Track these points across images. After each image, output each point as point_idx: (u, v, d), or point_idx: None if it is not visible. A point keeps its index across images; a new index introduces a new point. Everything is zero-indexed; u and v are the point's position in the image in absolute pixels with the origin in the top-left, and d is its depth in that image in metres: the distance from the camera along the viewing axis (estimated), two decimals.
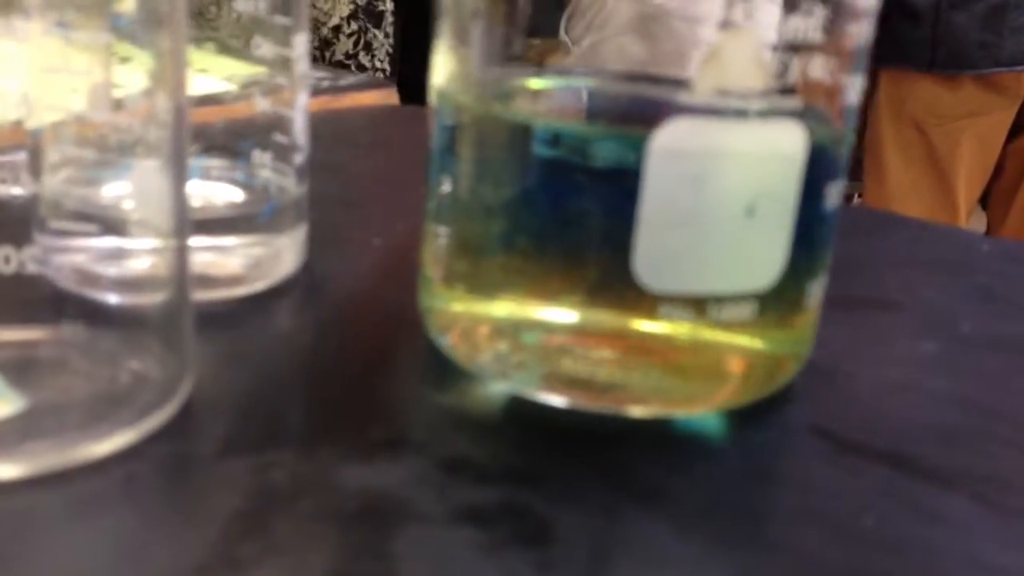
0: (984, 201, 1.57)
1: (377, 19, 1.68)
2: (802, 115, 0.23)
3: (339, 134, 0.54)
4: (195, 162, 0.30)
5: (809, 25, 0.23)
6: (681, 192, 0.22)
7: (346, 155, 0.49)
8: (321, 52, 1.63)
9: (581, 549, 0.20)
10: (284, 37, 0.31)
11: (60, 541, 0.19)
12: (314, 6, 1.60)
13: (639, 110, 0.24)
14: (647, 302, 0.23)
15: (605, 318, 0.24)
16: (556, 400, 0.24)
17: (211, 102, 0.31)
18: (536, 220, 0.24)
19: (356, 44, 1.67)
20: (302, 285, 0.31)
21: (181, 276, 0.24)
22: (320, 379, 0.26)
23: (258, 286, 0.30)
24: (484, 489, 0.21)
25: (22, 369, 0.24)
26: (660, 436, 0.24)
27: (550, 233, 0.24)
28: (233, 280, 0.30)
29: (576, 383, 0.24)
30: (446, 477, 0.21)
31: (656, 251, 0.23)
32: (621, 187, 0.23)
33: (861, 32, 0.24)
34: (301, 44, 0.31)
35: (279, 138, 0.31)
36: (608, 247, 0.23)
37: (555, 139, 0.24)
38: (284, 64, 0.31)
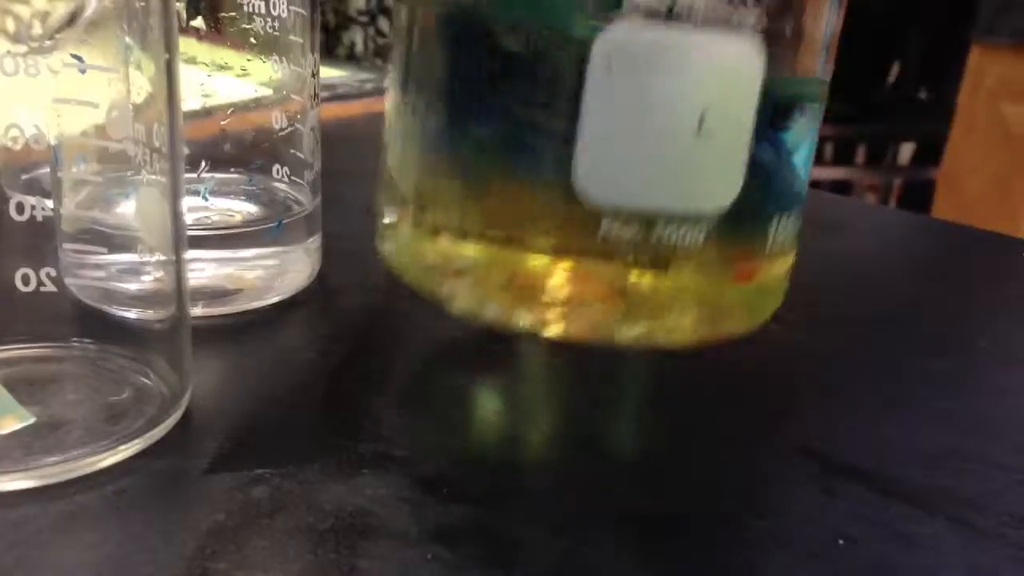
0: None
1: None
2: (762, 34, 0.22)
3: (376, 139, 0.55)
4: (209, 176, 0.32)
5: None
6: (625, 101, 0.21)
7: (370, 162, 0.49)
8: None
9: (543, 570, 0.20)
10: (298, 56, 0.32)
11: (43, 556, 0.20)
12: None
13: (583, 6, 0.22)
14: (591, 219, 0.22)
15: (549, 237, 0.23)
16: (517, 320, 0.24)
17: (230, 114, 0.32)
18: (474, 126, 0.23)
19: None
20: (314, 298, 0.32)
21: (181, 292, 0.25)
22: (317, 395, 0.27)
23: (270, 299, 0.31)
24: (457, 508, 0.22)
25: (32, 384, 0.25)
26: (635, 452, 0.24)
27: (489, 145, 0.23)
28: (245, 293, 0.31)
29: (532, 306, 0.24)
30: (422, 495, 0.22)
31: (598, 162, 0.22)
32: (564, 91, 0.22)
33: None
34: (313, 63, 0.32)
35: (294, 153, 0.32)
36: (550, 161, 0.22)
37: (493, 30, 0.22)
38: (297, 82, 0.32)
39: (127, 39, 0.23)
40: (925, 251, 0.43)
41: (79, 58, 0.23)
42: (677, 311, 0.24)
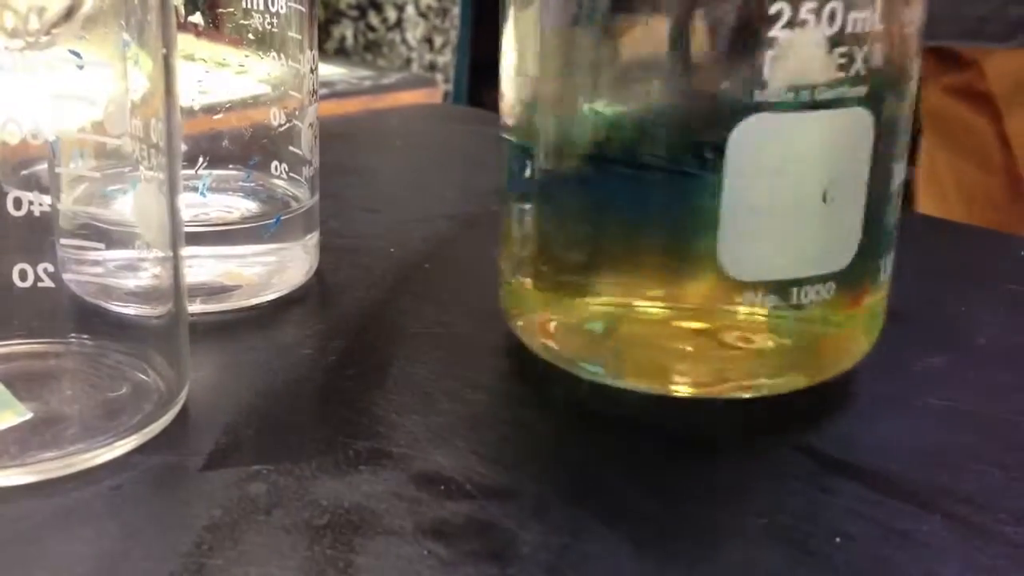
0: None
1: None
2: (868, 101, 0.24)
3: (375, 136, 0.55)
4: (207, 173, 0.32)
5: (869, 15, 0.24)
6: (760, 184, 0.24)
7: (378, 158, 0.50)
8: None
9: (539, 566, 0.20)
10: (296, 52, 0.32)
11: (40, 551, 0.20)
12: None
13: (716, 108, 0.24)
14: (731, 290, 0.25)
15: (692, 307, 0.26)
16: (640, 387, 0.26)
17: (227, 110, 0.32)
18: (618, 219, 0.26)
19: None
20: (312, 295, 0.32)
21: (179, 288, 0.25)
22: (315, 391, 0.27)
23: (268, 296, 0.31)
24: (454, 504, 0.22)
25: (29, 380, 0.25)
26: (634, 453, 0.24)
27: (634, 231, 0.26)
28: (243, 290, 0.31)
29: (660, 370, 0.26)
30: (418, 491, 0.22)
31: (739, 241, 0.24)
32: (701, 183, 0.24)
33: (915, 17, 0.25)
34: (311, 59, 0.32)
35: (292, 150, 0.32)
36: (693, 240, 0.25)
37: (635, 136, 0.25)
38: (295, 78, 0.32)
39: (125, 35, 0.23)
40: (922, 248, 0.43)
41: (77, 54, 0.23)
42: (800, 358, 0.27)
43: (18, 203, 0.23)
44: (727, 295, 0.25)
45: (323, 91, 0.56)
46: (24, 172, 0.24)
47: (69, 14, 0.22)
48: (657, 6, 0.24)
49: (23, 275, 0.23)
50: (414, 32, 1.63)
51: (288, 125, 0.32)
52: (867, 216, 0.26)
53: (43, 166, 0.24)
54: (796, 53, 0.23)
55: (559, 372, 0.27)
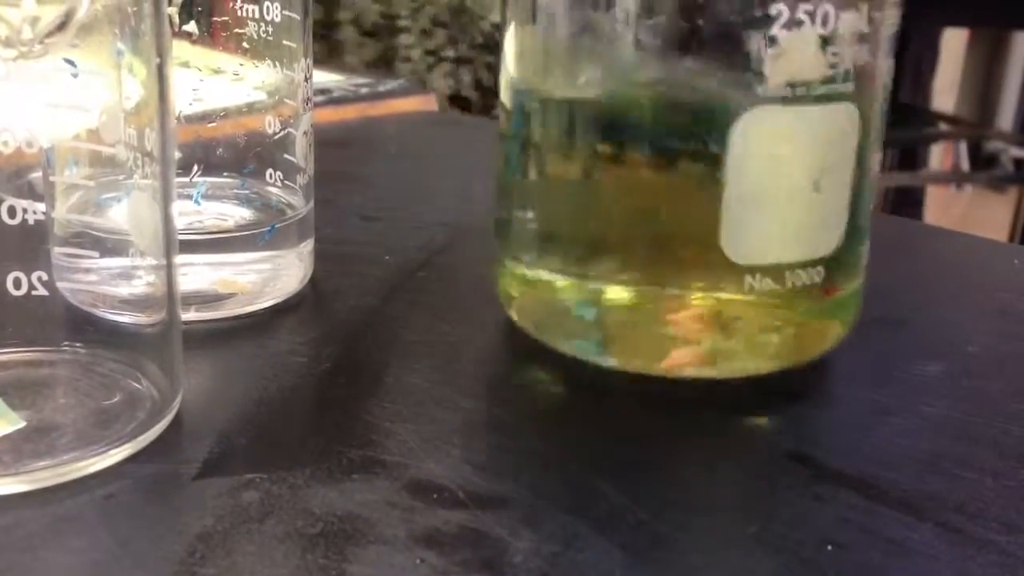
0: None
1: None
2: (854, 97, 0.26)
3: (371, 143, 0.55)
4: (202, 180, 0.32)
5: (856, 18, 0.25)
6: (758, 174, 0.26)
7: (374, 166, 0.50)
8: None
9: (532, 574, 0.20)
10: (291, 60, 0.32)
11: (32, 560, 0.20)
12: None
13: (719, 102, 0.26)
14: (733, 274, 0.26)
15: (693, 289, 0.27)
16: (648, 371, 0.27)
17: (221, 118, 0.32)
18: (621, 208, 0.27)
19: None
20: (306, 302, 0.32)
21: (172, 297, 0.25)
22: (309, 400, 0.27)
23: (262, 304, 0.31)
24: (447, 512, 0.22)
25: (23, 388, 0.25)
26: (626, 462, 0.24)
27: (639, 222, 0.27)
28: (238, 298, 0.31)
29: (654, 350, 0.27)
30: (411, 500, 0.22)
31: (738, 228, 0.26)
32: (704, 172, 0.26)
33: (893, 20, 0.27)
34: (306, 68, 0.32)
35: (287, 157, 0.32)
36: (694, 227, 0.26)
37: (639, 128, 0.26)
38: (290, 86, 0.32)
39: (119, 44, 0.23)
40: (916, 256, 0.44)
41: (71, 62, 0.23)
42: (786, 341, 0.28)
43: (12, 211, 0.23)
44: (727, 278, 0.26)
45: (320, 98, 0.57)
46: (18, 180, 0.24)
47: (63, 24, 0.22)
48: (666, 7, 0.25)
49: (17, 283, 0.23)
50: None
51: (283, 133, 0.32)
52: (851, 204, 0.27)
53: (37, 174, 0.24)
54: (793, 51, 0.25)
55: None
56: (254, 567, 0.20)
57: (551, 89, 0.28)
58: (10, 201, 0.22)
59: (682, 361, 0.27)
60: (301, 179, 0.32)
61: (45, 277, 0.23)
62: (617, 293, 0.28)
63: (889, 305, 0.36)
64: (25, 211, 0.23)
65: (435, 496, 0.22)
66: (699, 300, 0.27)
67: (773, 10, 0.24)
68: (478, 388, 0.28)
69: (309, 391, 0.27)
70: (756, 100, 0.25)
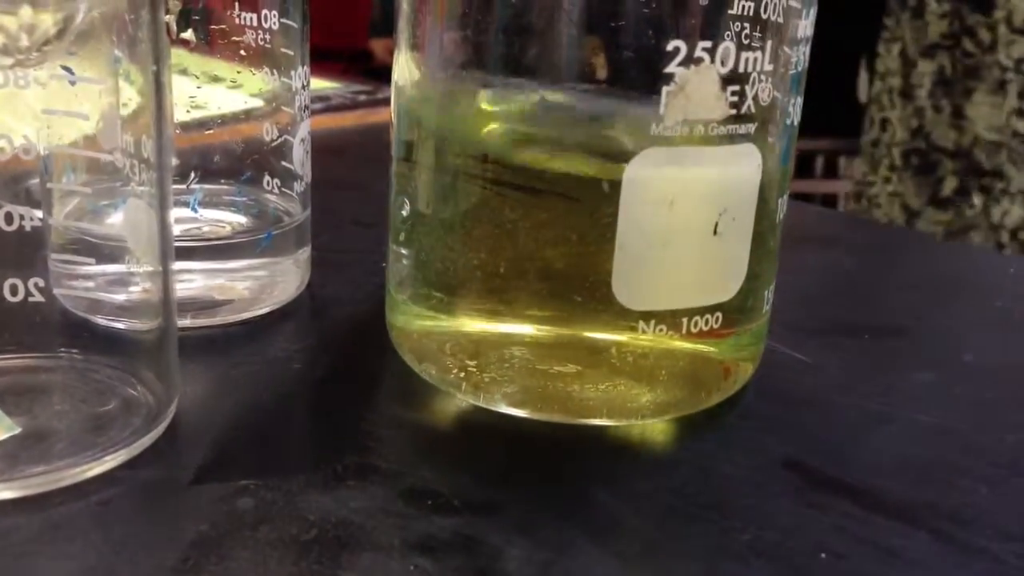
0: None
1: None
2: (755, 138, 0.25)
3: (368, 150, 0.55)
4: (199, 187, 0.32)
5: (759, 56, 0.24)
6: (654, 216, 0.24)
7: (370, 172, 0.49)
8: None
9: None
10: (288, 68, 0.32)
11: (26, 566, 0.20)
12: None
13: (611, 141, 0.25)
14: (624, 320, 0.25)
15: (582, 335, 0.26)
16: (533, 415, 0.26)
17: (219, 125, 0.32)
18: (508, 248, 0.25)
19: None
20: (303, 309, 0.32)
21: (168, 303, 0.25)
22: (304, 406, 0.27)
23: (259, 310, 0.31)
24: (441, 519, 0.22)
25: (18, 394, 0.25)
26: (620, 469, 0.24)
27: (526, 262, 0.25)
28: (234, 304, 0.31)
29: (550, 398, 0.26)
30: (406, 507, 0.22)
31: (632, 272, 0.24)
32: (595, 213, 0.24)
33: (800, 58, 0.26)
34: (303, 75, 0.32)
35: (284, 165, 0.32)
36: (585, 270, 0.25)
37: (528, 169, 0.25)
38: (288, 94, 0.32)
39: (116, 51, 0.23)
40: (911, 264, 0.44)
41: (68, 70, 0.23)
42: (686, 386, 0.27)
43: (9, 218, 0.23)
44: (618, 324, 0.25)
45: (318, 105, 0.57)
46: (15, 187, 0.24)
47: (60, 32, 0.22)
48: (560, 41, 0.24)
49: (14, 290, 0.23)
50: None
51: (280, 140, 0.32)
52: (753, 248, 0.26)
53: (35, 181, 0.24)
54: (692, 90, 0.23)
55: None
56: (248, 573, 0.20)
57: (437, 122, 0.26)
58: (7, 207, 0.23)
59: (570, 408, 0.26)
60: (298, 186, 0.32)
61: (42, 283, 0.23)
62: (495, 336, 0.26)
63: (885, 314, 0.36)
64: (22, 217, 0.23)
65: (429, 503, 0.22)
66: (588, 346, 0.26)
67: (670, 46, 0.23)
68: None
69: (305, 398, 0.27)
70: (651, 140, 0.23)
